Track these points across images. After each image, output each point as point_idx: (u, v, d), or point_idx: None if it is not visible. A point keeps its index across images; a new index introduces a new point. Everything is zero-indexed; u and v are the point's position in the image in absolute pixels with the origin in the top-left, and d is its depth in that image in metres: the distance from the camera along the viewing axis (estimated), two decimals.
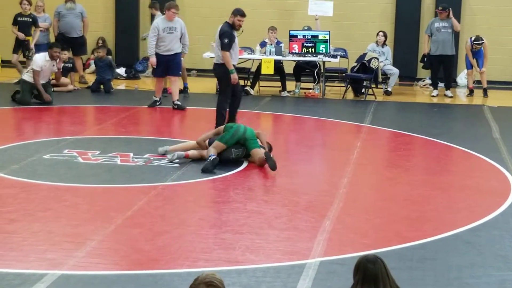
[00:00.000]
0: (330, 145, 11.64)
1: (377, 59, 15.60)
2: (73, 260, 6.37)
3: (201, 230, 7.25)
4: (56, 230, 7.12)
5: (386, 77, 16.26)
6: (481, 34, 16.09)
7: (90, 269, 6.24)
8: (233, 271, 6.25)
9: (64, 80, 14.93)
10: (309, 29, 16.15)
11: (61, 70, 13.91)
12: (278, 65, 15.46)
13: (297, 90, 15.90)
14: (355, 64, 15.85)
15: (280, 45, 15.67)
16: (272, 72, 15.25)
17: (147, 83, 16.87)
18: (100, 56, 15.66)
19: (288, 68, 16.22)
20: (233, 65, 11.51)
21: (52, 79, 14.18)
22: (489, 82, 16.32)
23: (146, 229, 7.23)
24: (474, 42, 15.91)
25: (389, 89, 16.23)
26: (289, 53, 15.54)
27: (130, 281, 6.07)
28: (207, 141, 9.89)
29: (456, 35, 16.37)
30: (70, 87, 15.37)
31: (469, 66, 16.13)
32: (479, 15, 16.98)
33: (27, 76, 13.54)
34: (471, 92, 16.30)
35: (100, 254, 6.57)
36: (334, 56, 15.57)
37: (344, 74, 16.47)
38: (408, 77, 17.58)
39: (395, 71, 16.31)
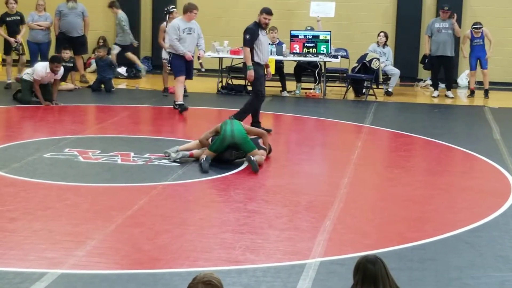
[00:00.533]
0: (330, 145, 11.64)
1: (378, 59, 15.60)
2: (73, 259, 6.37)
3: (201, 230, 7.25)
4: (56, 229, 7.13)
5: (387, 77, 16.26)
6: None
7: (90, 268, 6.24)
8: (233, 271, 6.25)
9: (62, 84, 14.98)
10: (311, 29, 16.15)
11: (59, 79, 13.84)
12: (278, 65, 15.46)
13: (298, 91, 15.90)
14: (356, 64, 15.85)
15: (282, 45, 15.67)
16: (273, 72, 15.23)
17: (148, 82, 16.88)
18: (100, 56, 15.68)
19: (289, 68, 16.23)
20: (258, 63, 11.47)
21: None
22: (490, 83, 16.31)
23: (146, 229, 7.23)
24: (472, 27, 15.93)
25: (390, 89, 16.24)
26: (290, 53, 15.54)
27: (130, 280, 6.07)
28: (210, 139, 9.83)
29: (457, 37, 16.40)
30: (71, 86, 15.39)
31: (473, 67, 16.13)
32: (481, 16, 16.97)
33: (27, 76, 13.55)
34: (471, 93, 16.30)
35: (100, 253, 6.57)
36: (335, 57, 15.58)
37: (345, 75, 16.47)
38: (409, 77, 17.59)
39: (396, 71, 16.31)
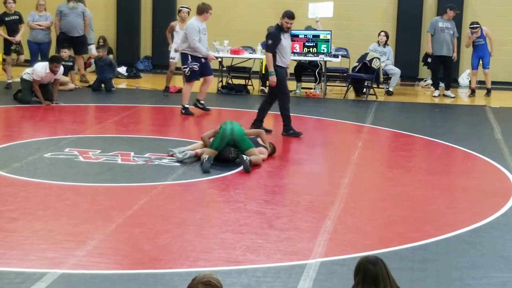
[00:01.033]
0: (331, 145, 11.63)
1: (379, 59, 15.59)
2: (73, 259, 6.37)
3: (201, 230, 7.24)
4: (56, 229, 7.12)
5: (387, 77, 16.25)
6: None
7: (90, 268, 6.23)
8: (233, 271, 6.24)
9: (64, 78, 14.90)
10: (312, 29, 16.13)
11: (59, 80, 13.81)
12: None
13: (298, 91, 15.89)
14: (357, 64, 15.83)
15: None
16: None
17: (148, 82, 16.87)
18: (100, 56, 15.66)
19: (290, 68, 16.19)
20: (281, 66, 11.52)
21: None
22: (491, 82, 16.30)
23: (146, 229, 7.22)
24: (470, 27, 15.93)
25: (390, 89, 16.22)
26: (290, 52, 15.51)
27: (130, 280, 6.06)
28: (211, 139, 9.85)
29: (458, 36, 16.38)
30: (71, 85, 15.38)
31: (475, 67, 16.12)
32: (482, 15, 16.95)
33: (27, 75, 13.54)
34: (472, 92, 16.30)
35: (100, 253, 6.56)
36: (336, 56, 15.56)
37: (345, 74, 16.46)
38: (409, 77, 17.57)
39: (397, 71, 16.30)
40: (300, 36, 15.50)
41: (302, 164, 10.17)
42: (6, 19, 15.28)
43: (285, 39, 11.66)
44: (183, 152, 9.75)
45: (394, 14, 17.79)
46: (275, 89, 11.71)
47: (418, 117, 14.03)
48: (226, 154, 9.74)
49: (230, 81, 16.06)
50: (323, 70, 15.60)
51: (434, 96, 16.12)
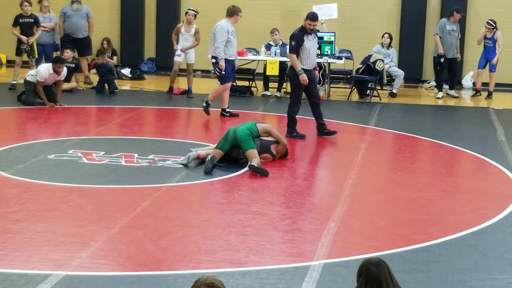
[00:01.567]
0: (334, 147, 11.62)
1: (382, 61, 15.59)
2: (77, 261, 6.38)
3: (205, 232, 7.24)
4: (60, 231, 7.13)
5: (391, 79, 16.25)
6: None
7: (94, 270, 6.24)
8: (237, 273, 6.25)
9: (71, 84, 14.92)
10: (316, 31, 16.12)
11: (62, 80, 13.81)
12: (282, 67, 15.45)
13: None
14: (360, 65, 15.84)
15: (286, 46, 15.63)
16: (277, 73, 15.27)
17: (152, 83, 16.89)
18: (100, 63, 15.55)
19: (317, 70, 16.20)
20: (303, 68, 11.52)
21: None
22: (495, 84, 16.28)
23: (150, 230, 7.22)
24: (487, 22, 15.84)
25: (394, 91, 16.22)
26: None
27: (134, 282, 6.07)
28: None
29: (461, 38, 16.39)
30: (74, 84, 15.38)
31: (481, 66, 16.11)
32: (485, 17, 16.93)
33: (31, 77, 13.55)
34: (477, 92, 16.30)
35: (104, 255, 6.57)
36: (339, 58, 15.56)
37: (349, 76, 16.45)
38: (413, 79, 17.57)
39: (400, 73, 16.29)
40: None
41: (305, 166, 10.18)
42: (21, 20, 15.33)
43: (309, 41, 11.66)
44: (187, 155, 9.76)
45: (397, 16, 17.78)
46: (292, 88, 11.77)
47: (422, 119, 14.03)
48: (235, 155, 9.80)
49: (234, 83, 16.06)
50: (327, 72, 15.59)
51: (438, 98, 16.11)
